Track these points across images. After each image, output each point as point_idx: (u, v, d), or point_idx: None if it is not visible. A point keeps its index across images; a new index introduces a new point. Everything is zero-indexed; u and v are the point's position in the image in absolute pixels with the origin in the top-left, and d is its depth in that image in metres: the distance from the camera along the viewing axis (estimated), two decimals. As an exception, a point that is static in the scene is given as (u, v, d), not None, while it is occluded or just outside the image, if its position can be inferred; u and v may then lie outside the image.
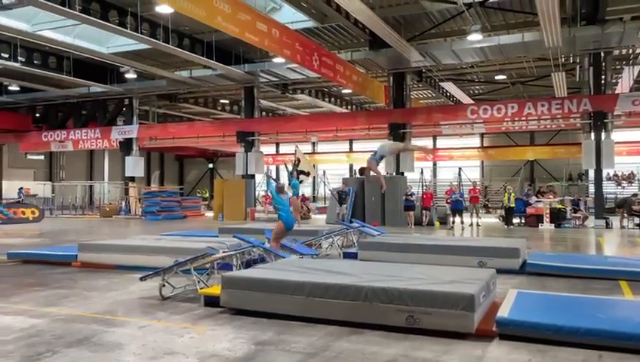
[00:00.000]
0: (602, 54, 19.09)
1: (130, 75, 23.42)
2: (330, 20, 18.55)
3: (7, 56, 19.96)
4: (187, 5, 11.94)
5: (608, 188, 26.21)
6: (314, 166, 22.90)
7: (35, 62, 21.37)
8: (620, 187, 28.58)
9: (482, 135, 35.06)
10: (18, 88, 26.39)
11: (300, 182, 21.91)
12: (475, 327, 5.04)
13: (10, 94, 27.36)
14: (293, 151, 20.30)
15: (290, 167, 15.82)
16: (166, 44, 17.71)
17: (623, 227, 18.32)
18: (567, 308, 5.54)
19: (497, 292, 6.33)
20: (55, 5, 14.09)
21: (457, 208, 19.03)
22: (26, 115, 30.92)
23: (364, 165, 9.26)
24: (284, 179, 16.72)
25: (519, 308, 5.34)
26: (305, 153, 39.83)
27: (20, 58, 20.22)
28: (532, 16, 17.12)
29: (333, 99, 30.16)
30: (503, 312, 5.19)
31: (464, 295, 5.06)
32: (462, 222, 19.11)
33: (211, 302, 6.29)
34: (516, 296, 5.92)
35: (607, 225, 18.45)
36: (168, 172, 44.46)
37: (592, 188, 20.30)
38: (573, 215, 19.43)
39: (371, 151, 9.37)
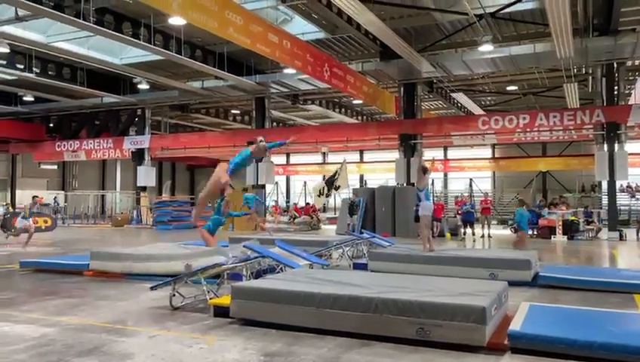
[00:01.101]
0: (615, 65, 18.93)
1: (143, 86, 23.65)
2: (341, 32, 18.61)
3: (22, 67, 20.28)
4: (200, 17, 12.05)
5: (622, 199, 25.94)
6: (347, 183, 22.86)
7: (50, 73, 21.65)
8: (633, 199, 28.28)
9: (494, 146, 34.89)
10: (32, 99, 26.74)
11: (327, 196, 22.01)
12: (486, 340, 4.99)
13: (24, 105, 27.72)
14: (341, 162, 20.38)
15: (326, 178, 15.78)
16: (178, 55, 17.88)
17: (639, 239, 18.06)
18: (581, 322, 5.47)
19: (509, 305, 6.26)
20: (70, 17, 14.29)
21: (468, 219, 18.92)
22: (40, 125, 31.32)
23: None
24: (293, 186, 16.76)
25: (532, 322, 5.27)
26: (315, 163, 39.99)
27: (34, 69, 20.51)
28: (544, 27, 17.06)
29: (343, 109, 30.22)
30: (515, 325, 5.13)
31: (476, 307, 5.01)
32: (473, 234, 18.99)
33: (221, 312, 6.29)
34: (528, 309, 5.85)
35: (621, 237, 18.22)
36: (180, 181, 44.72)
37: (605, 200, 20.07)
38: (587, 227, 19.21)
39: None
